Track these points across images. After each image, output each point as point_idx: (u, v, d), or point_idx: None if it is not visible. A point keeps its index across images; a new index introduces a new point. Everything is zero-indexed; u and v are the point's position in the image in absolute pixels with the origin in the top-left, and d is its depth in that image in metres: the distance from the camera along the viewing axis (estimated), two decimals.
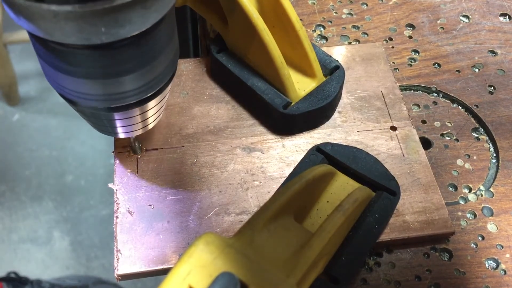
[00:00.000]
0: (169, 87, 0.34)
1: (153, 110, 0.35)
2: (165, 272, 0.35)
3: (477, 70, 0.49)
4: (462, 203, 0.41)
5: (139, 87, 0.30)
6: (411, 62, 0.50)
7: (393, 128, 0.43)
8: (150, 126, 0.37)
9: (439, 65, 0.50)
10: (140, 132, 0.37)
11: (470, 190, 0.41)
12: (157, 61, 0.30)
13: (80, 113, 0.33)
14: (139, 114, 0.34)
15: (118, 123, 0.34)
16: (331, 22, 0.53)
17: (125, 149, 0.40)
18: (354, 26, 0.52)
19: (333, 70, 0.43)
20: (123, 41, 0.26)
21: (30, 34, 0.27)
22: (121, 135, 0.36)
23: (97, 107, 0.31)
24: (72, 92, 0.30)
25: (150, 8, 0.25)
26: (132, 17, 0.25)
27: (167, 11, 0.27)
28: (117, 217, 0.37)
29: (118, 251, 0.36)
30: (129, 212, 0.37)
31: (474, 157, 0.43)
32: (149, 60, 0.29)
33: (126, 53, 0.27)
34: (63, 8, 0.23)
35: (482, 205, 0.40)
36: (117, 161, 0.40)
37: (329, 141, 0.42)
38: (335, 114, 0.44)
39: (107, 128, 0.35)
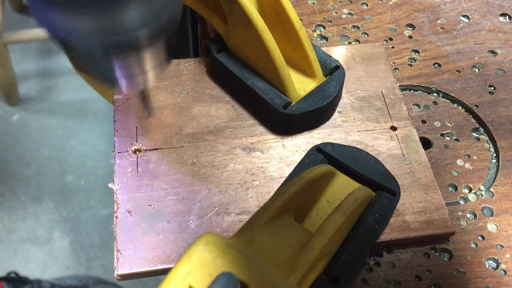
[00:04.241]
0: (172, 42, 0.32)
1: (154, 58, 0.32)
2: (165, 272, 0.35)
3: (477, 70, 0.49)
4: (462, 203, 0.41)
5: (137, 21, 0.28)
6: (411, 62, 0.50)
7: (393, 128, 0.43)
8: (152, 81, 0.34)
9: (439, 65, 0.50)
10: (141, 85, 0.34)
11: (470, 190, 0.41)
12: None
13: (78, 59, 0.31)
14: (137, 59, 0.31)
15: (116, 65, 0.31)
16: (331, 22, 0.53)
17: (125, 149, 0.40)
18: (354, 26, 0.52)
19: (333, 70, 0.43)
20: None
21: None
22: (122, 84, 0.33)
23: (92, 45, 0.29)
24: (65, 30, 0.27)
25: None
26: None
27: None
28: (117, 217, 0.37)
29: (118, 251, 0.36)
30: (129, 212, 0.37)
31: (474, 157, 0.43)
32: None
33: None
34: None
35: (482, 205, 0.40)
36: (117, 161, 0.40)
37: (329, 141, 0.42)
38: (335, 114, 0.44)
39: (106, 72, 0.32)
